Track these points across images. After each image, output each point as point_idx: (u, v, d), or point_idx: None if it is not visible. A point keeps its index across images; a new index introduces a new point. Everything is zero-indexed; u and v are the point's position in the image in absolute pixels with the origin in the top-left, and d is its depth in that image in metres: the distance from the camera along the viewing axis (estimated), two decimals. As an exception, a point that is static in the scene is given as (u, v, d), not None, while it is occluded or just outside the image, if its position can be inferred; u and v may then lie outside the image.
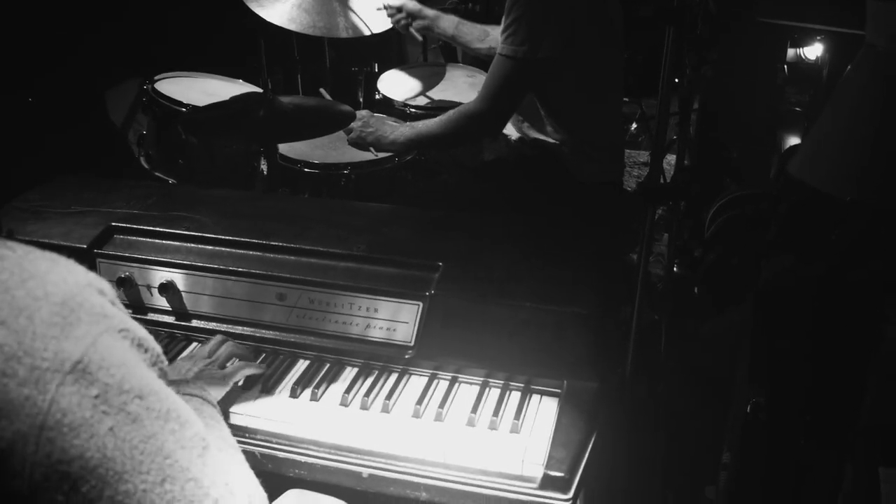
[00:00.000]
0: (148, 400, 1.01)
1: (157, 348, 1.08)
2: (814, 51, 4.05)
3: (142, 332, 1.05)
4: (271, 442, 1.73)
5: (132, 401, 0.99)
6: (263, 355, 1.95)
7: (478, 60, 3.54)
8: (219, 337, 1.90)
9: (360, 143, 2.97)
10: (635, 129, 5.28)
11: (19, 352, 0.93)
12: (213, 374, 1.75)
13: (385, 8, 3.39)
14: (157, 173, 3.22)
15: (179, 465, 1.03)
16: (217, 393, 1.71)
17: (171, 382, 1.10)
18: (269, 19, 3.17)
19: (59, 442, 0.93)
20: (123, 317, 1.03)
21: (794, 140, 4.06)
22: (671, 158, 3.92)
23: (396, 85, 3.51)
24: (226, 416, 1.73)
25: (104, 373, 0.97)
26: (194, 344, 2.00)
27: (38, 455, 0.93)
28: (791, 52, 4.17)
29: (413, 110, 3.27)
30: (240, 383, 1.82)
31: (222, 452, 1.29)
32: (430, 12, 3.38)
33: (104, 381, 0.97)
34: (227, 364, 1.84)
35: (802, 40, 4.04)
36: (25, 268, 0.98)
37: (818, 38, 3.88)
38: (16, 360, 0.93)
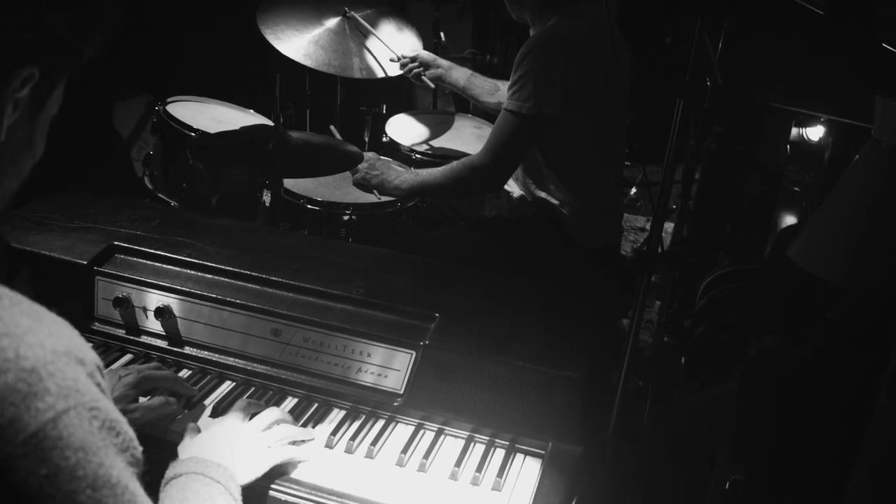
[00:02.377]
0: (101, 493, 0.95)
1: (131, 432, 1.02)
2: (816, 132, 4.11)
3: (115, 413, 1.00)
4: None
5: (83, 490, 0.93)
6: (252, 389, 1.97)
7: (487, 114, 3.59)
8: (275, 412, 1.79)
9: (364, 185, 3.01)
10: (635, 193, 5.34)
11: None
12: (259, 441, 1.67)
13: (399, 59, 3.44)
14: (159, 194, 3.24)
15: None
16: (250, 464, 1.60)
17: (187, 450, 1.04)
18: (285, 53, 3.23)
19: None
20: (97, 394, 0.98)
21: (790, 219, 4.11)
22: (668, 227, 3.97)
23: (404, 129, 3.56)
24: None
25: (58, 454, 0.92)
26: (184, 371, 2.01)
27: None
28: (794, 131, 4.23)
29: (418, 156, 3.32)
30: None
31: None
32: (443, 62, 3.44)
33: (56, 462, 0.92)
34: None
35: (806, 121, 4.10)
36: (5, 322, 0.94)
37: (822, 120, 3.95)
38: None
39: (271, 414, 1.75)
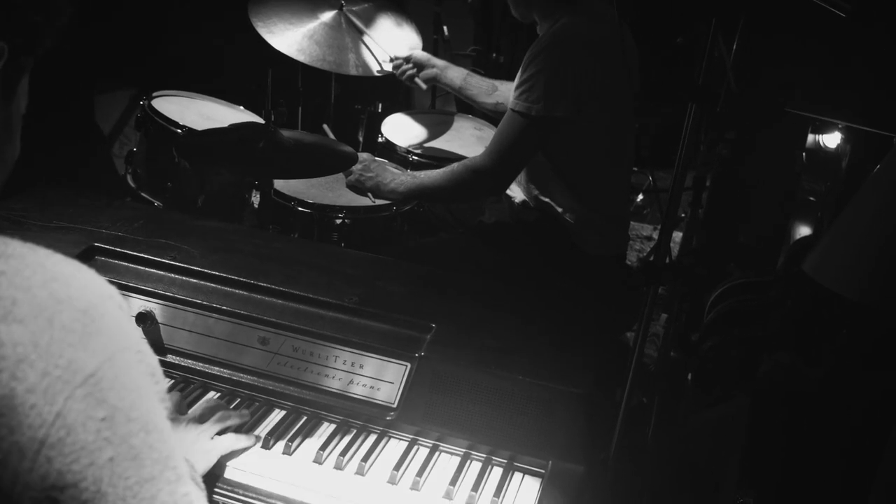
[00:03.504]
0: (152, 437, 0.97)
1: (165, 384, 1.05)
2: (833, 139, 4.12)
3: (155, 360, 1.02)
4: (237, 493, 1.73)
5: (137, 433, 0.95)
6: (238, 400, 1.96)
7: (488, 115, 3.59)
8: (210, 399, 1.90)
9: (358, 188, 3.01)
10: (641, 200, 5.34)
11: (33, 354, 0.90)
12: (194, 429, 1.75)
13: (392, 60, 3.43)
14: (143, 193, 3.24)
15: None
16: (201, 456, 1.69)
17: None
18: (278, 48, 3.22)
19: (57, 464, 0.90)
20: (141, 340, 1.01)
21: (804, 230, 4.12)
22: (676, 236, 3.97)
23: (401, 129, 3.55)
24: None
25: (115, 394, 0.93)
26: (166, 380, 2.00)
27: (32, 474, 0.89)
28: (810, 138, 4.24)
29: (416, 158, 3.31)
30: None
31: None
32: (438, 62, 3.43)
33: (114, 403, 0.93)
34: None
35: (822, 128, 4.11)
36: (49, 269, 0.96)
37: (839, 126, 3.95)
38: (28, 363, 0.90)
39: (210, 407, 1.83)
